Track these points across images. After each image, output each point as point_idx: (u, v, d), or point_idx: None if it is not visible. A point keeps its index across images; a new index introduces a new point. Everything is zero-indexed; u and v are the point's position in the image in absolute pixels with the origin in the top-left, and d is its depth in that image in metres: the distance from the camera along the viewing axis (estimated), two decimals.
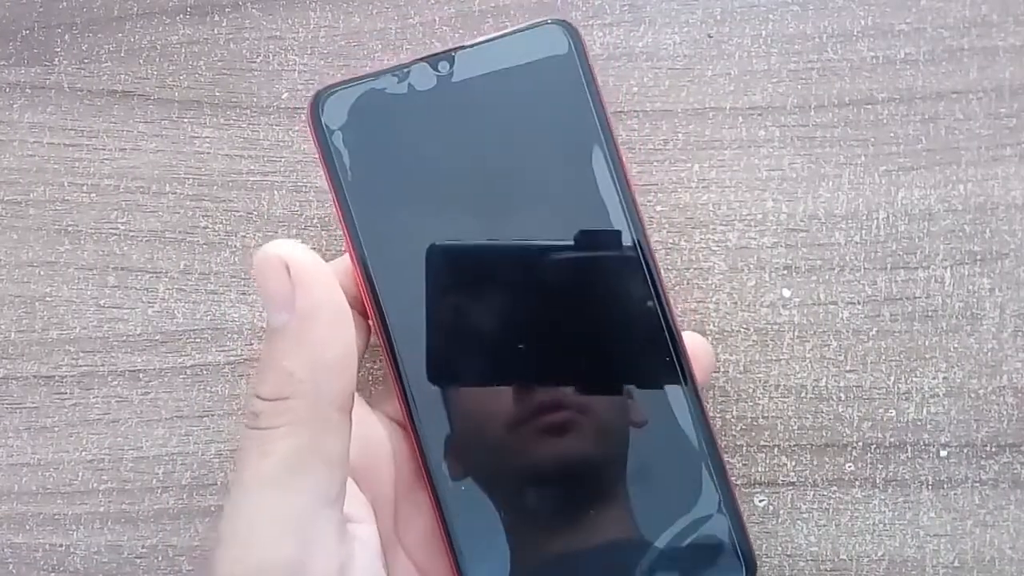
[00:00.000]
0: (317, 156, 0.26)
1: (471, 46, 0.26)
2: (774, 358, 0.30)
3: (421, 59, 0.26)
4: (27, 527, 0.31)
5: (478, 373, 0.26)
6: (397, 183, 0.26)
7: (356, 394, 0.27)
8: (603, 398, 0.26)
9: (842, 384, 0.30)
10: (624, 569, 0.26)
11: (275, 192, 0.32)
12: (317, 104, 0.26)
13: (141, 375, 0.32)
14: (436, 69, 0.26)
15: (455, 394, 0.26)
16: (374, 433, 0.26)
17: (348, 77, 0.27)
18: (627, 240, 0.26)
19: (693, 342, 0.27)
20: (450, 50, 0.26)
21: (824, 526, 0.30)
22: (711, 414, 0.27)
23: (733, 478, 0.26)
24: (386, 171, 0.26)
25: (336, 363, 0.21)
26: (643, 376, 0.26)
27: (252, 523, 0.20)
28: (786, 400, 0.30)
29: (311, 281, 0.21)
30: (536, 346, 0.26)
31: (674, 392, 0.26)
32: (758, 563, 0.26)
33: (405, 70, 0.26)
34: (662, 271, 0.27)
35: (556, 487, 0.26)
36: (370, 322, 0.26)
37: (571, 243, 0.26)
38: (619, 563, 0.26)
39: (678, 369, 0.26)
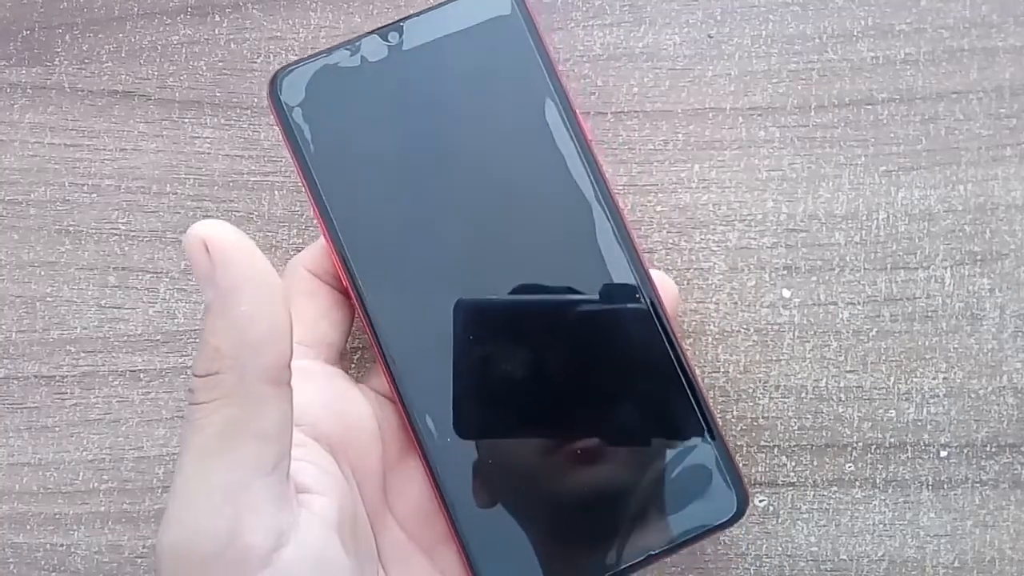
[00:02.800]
0: (280, 135, 0.27)
1: (418, 14, 0.27)
2: (774, 358, 0.30)
3: (371, 32, 0.27)
4: (28, 527, 0.31)
5: (460, 340, 0.26)
6: (359, 154, 0.27)
7: (340, 371, 0.27)
8: (583, 348, 0.27)
9: (842, 384, 0.30)
10: (614, 505, 0.26)
11: (275, 192, 0.32)
12: (275, 83, 0.27)
13: (142, 375, 0.32)
14: (386, 40, 0.27)
15: (436, 360, 0.26)
16: (356, 408, 0.27)
17: (304, 55, 0.27)
18: (587, 190, 0.27)
19: (657, 279, 0.27)
20: (398, 20, 0.27)
21: (824, 526, 0.30)
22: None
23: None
24: (347, 143, 0.27)
25: (261, 337, 0.21)
26: (615, 316, 0.27)
27: (187, 495, 0.21)
28: (786, 400, 0.30)
29: (230, 259, 0.21)
30: (516, 312, 0.27)
31: (648, 328, 0.27)
32: (749, 502, 0.26)
33: (357, 43, 0.27)
34: (626, 215, 0.27)
35: (544, 434, 0.26)
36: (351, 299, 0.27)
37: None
38: (608, 500, 0.26)
39: (649, 307, 0.27)
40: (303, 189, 0.27)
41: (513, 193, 0.27)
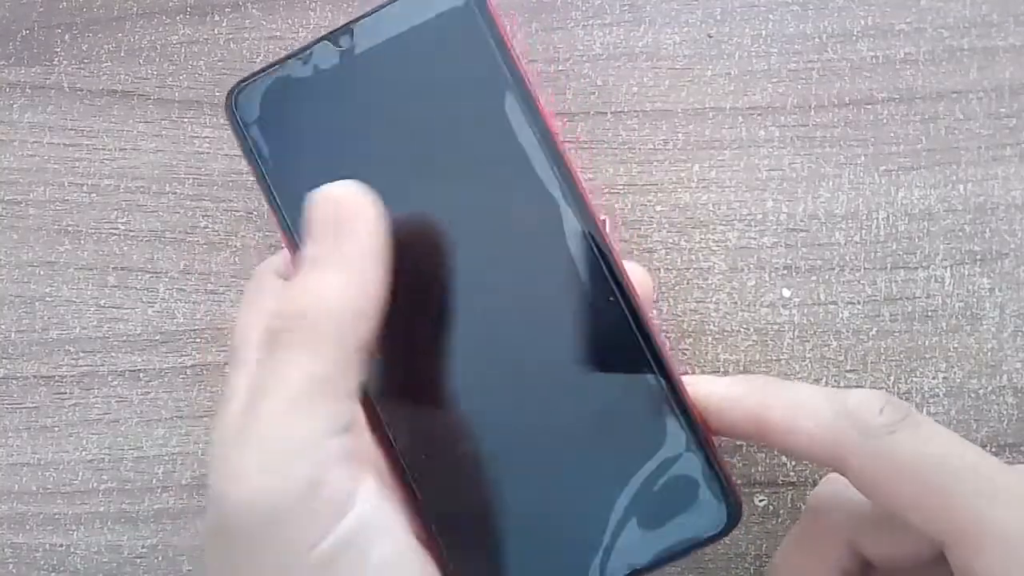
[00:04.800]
0: (241, 152, 0.26)
1: (368, 15, 0.26)
2: (774, 358, 0.30)
3: (322, 37, 0.26)
4: (27, 527, 0.31)
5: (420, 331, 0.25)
6: (319, 166, 0.26)
7: None
8: (552, 345, 0.25)
9: (842, 384, 0.30)
10: (593, 519, 0.25)
11: None
12: (231, 101, 0.26)
13: (141, 375, 0.32)
14: (338, 44, 0.26)
15: (409, 377, 0.25)
16: None
17: (257, 69, 0.27)
18: (551, 184, 0.25)
19: (632, 271, 0.26)
20: (349, 23, 0.26)
21: None
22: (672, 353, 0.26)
23: (717, 445, 0.25)
24: (306, 156, 0.26)
25: (366, 308, 0.22)
26: (583, 314, 0.25)
27: (269, 445, 0.20)
28: None
29: (359, 221, 0.22)
30: (464, 292, 0.25)
31: (622, 329, 0.25)
32: (743, 511, 0.25)
33: (308, 52, 0.26)
34: (594, 205, 0.26)
35: (519, 443, 0.25)
36: None
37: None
38: (588, 513, 0.25)
39: (623, 306, 0.25)
40: (266, 205, 0.26)
41: (475, 192, 0.26)
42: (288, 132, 0.26)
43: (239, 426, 0.21)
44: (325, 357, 0.21)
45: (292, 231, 0.26)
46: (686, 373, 0.27)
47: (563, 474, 0.25)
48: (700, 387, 0.25)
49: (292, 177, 0.26)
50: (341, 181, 0.22)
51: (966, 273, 0.30)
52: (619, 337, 0.25)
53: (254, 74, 0.26)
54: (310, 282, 0.22)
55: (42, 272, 0.32)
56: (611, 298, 0.25)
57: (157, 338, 0.32)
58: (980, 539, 0.21)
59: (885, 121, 0.31)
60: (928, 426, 0.23)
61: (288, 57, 0.26)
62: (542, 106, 0.26)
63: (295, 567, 0.20)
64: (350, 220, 0.22)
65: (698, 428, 0.25)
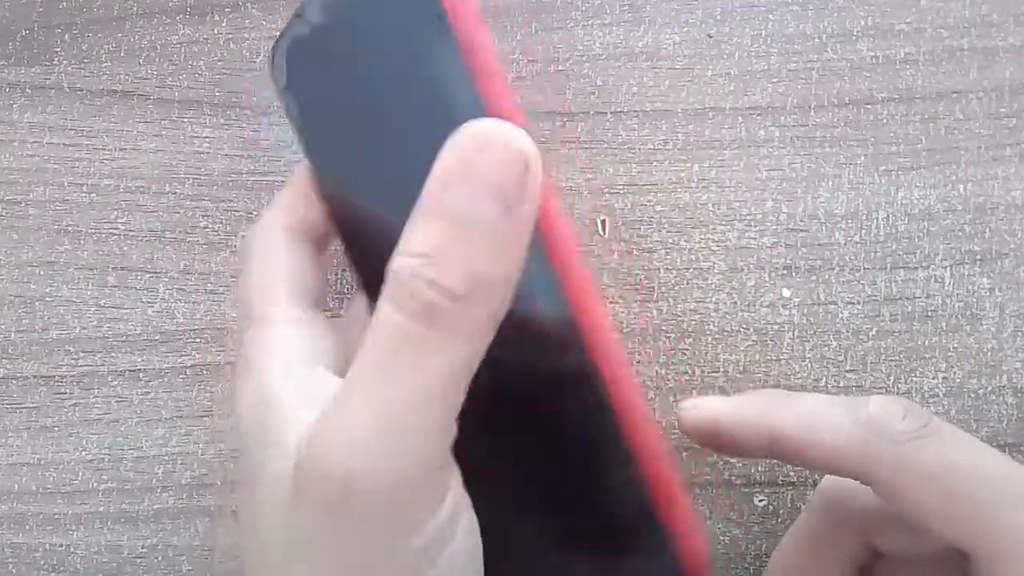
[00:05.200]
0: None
1: None
2: (774, 358, 0.30)
3: None
4: (27, 527, 0.31)
5: None
6: (335, 124, 0.25)
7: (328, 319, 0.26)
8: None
9: (842, 384, 0.30)
10: (538, 557, 0.23)
11: (275, 192, 0.32)
12: (270, 64, 0.26)
13: (141, 375, 0.32)
14: None
15: None
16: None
17: (282, 29, 0.26)
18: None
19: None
20: None
21: None
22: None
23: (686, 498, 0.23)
24: (327, 113, 0.26)
25: (512, 291, 0.19)
26: (538, 332, 0.22)
27: (408, 425, 0.19)
28: None
29: (537, 191, 0.19)
30: None
31: (573, 348, 0.22)
32: (705, 569, 0.22)
33: (303, 10, 0.26)
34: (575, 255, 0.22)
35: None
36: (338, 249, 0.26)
37: None
38: (533, 549, 0.23)
39: (577, 328, 0.22)
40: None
41: (424, 136, 0.22)
42: (310, 90, 0.26)
43: (382, 397, 0.19)
44: (471, 347, 0.19)
45: (330, 195, 0.25)
46: (679, 397, 0.26)
47: (513, 503, 0.23)
48: (707, 407, 0.24)
49: (319, 136, 0.26)
50: (505, 126, 0.18)
51: (966, 273, 0.30)
52: (570, 357, 0.22)
53: (280, 35, 0.26)
54: (476, 262, 0.19)
55: (42, 272, 0.32)
56: (562, 311, 0.22)
57: (157, 338, 0.32)
58: (1009, 550, 0.20)
59: (885, 121, 0.31)
60: (950, 432, 0.22)
61: (294, 16, 0.26)
62: (486, 66, 0.23)
63: (411, 539, 0.19)
64: (532, 182, 0.19)
65: (648, 471, 0.22)
